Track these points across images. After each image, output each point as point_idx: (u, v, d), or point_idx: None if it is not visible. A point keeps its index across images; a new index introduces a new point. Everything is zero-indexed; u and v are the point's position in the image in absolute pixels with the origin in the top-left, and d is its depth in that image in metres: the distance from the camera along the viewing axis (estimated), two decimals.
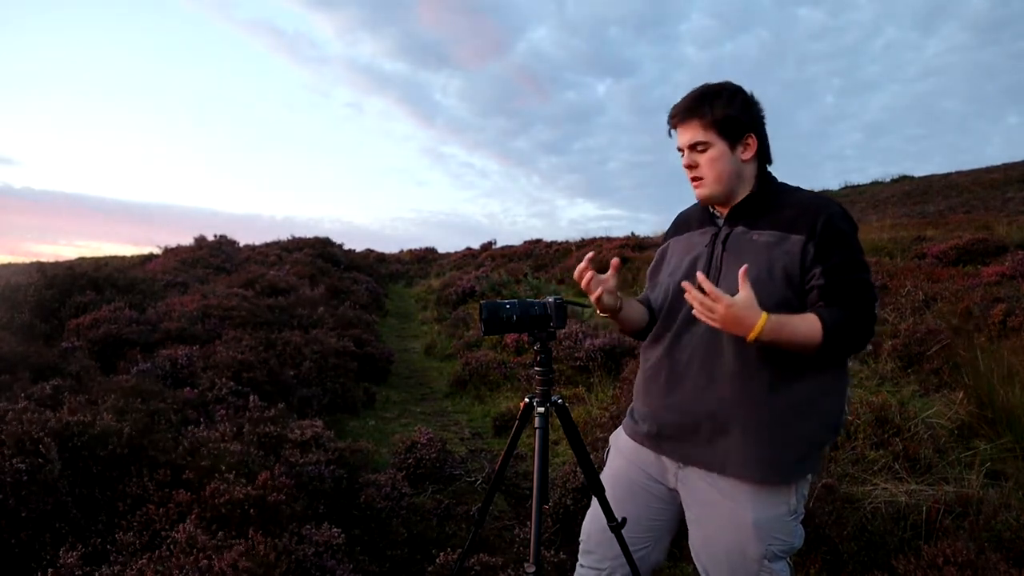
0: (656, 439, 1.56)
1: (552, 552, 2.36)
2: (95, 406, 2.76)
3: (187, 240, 12.17)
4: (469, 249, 18.37)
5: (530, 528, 1.49)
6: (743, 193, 1.48)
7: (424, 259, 17.79)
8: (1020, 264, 6.42)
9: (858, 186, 23.68)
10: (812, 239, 1.35)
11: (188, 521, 2.04)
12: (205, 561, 1.82)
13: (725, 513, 1.44)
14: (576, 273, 1.48)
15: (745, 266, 1.31)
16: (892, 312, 5.73)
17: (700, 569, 1.54)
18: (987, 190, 16.91)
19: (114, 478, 2.32)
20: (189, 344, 4.44)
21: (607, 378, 4.95)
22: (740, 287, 1.29)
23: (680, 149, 1.49)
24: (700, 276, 1.31)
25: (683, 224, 1.66)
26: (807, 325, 1.31)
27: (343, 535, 2.24)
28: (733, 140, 1.43)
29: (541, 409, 1.50)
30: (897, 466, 2.89)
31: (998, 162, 21.77)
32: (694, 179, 1.48)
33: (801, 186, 1.52)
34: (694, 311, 1.35)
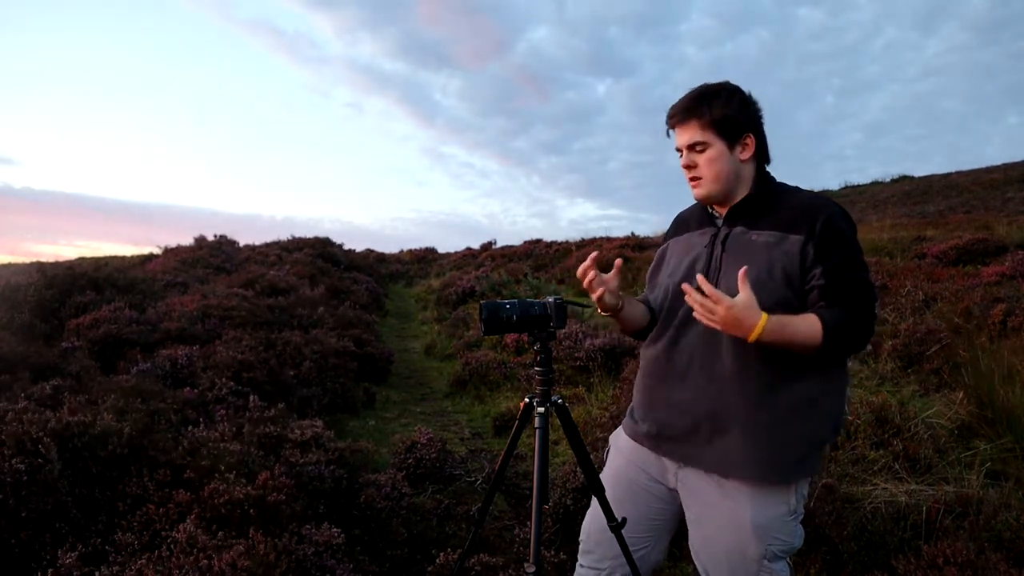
0: (656, 439, 1.56)
1: (552, 552, 2.36)
2: (95, 406, 2.76)
3: (187, 240, 12.19)
4: (469, 249, 18.38)
5: (530, 528, 1.50)
6: (742, 193, 1.48)
7: (424, 259, 17.80)
8: (1020, 264, 6.42)
9: (858, 186, 23.68)
10: (811, 239, 1.35)
11: (188, 521, 2.04)
12: (205, 561, 1.82)
13: (725, 513, 1.44)
14: (579, 271, 1.48)
15: (744, 268, 1.31)
16: (892, 312, 5.73)
17: (700, 569, 1.54)
18: (987, 190, 16.91)
19: (114, 478, 2.32)
20: (189, 344, 4.44)
21: (607, 378, 4.95)
22: (740, 289, 1.29)
23: (679, 149, 1.49)
24: (700, 278, 1.31)
25: (682, 225, 1.66)
26: (808, 325, 1.31)
27: (343, 535, 2.24)
28: (732, 140, 1.44)
29: (541, 409, 1.50)
30: (897, 466, 2.89)
31: (998, 162, 21.80)
32: (692, 179, 1.48)
33: (801, 186, 1.52)
34: (695, 313, 1.35)
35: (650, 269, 1.73)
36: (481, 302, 1.49)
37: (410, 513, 2.73)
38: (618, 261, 1.51)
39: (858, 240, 1.41)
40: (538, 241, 17.50)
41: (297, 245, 13.28)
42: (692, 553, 1.55)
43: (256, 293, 6.90)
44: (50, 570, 1.84)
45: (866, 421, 3.14)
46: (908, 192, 19.42)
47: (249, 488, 2.22)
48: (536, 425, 1.49)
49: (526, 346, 6.10)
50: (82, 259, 13.80)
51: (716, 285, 1.41)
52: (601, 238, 15.77)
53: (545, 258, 14.43)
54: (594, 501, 1.61)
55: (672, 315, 1.54)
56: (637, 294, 1.72)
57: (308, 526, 2.23)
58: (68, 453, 2.28)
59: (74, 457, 2.29)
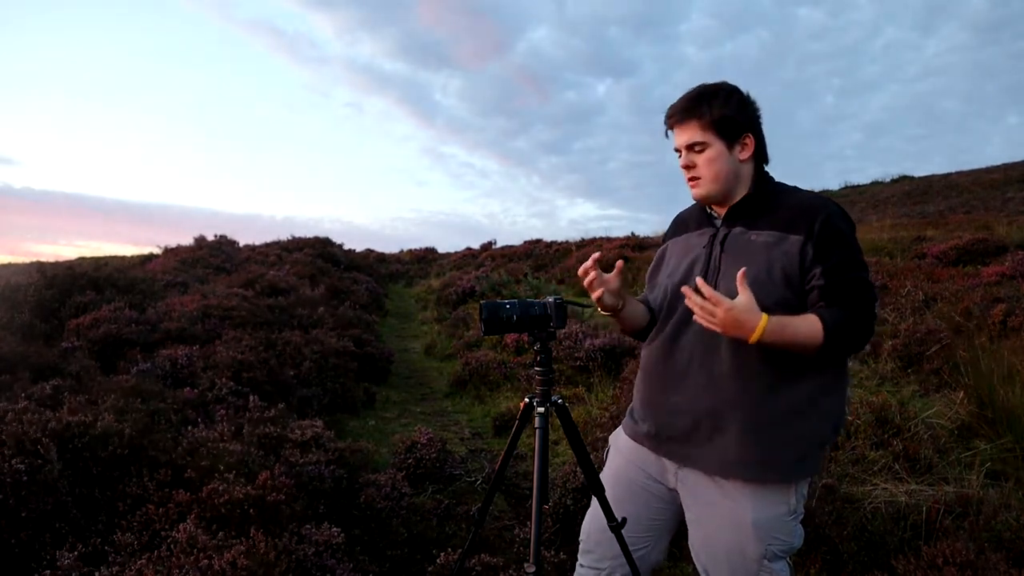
0: (656, 439, 1.56)
1: (552, 552, 2.36)
2: (95, 406, 2.76)
3: (187, 240, 12.19)
4: (469, 249, 18.38)
5: (530, 528, 1.49)
6: (741, 193, 1.48)
7: (424, 259, 17.79)
8: (1020, 264, 6.42)
9: (858, 186, 23.68)
10: (811, 239, 1.35)
11: (188, 521, 2.04)
12: (205, 561, 1.82)
13: (725, 513, 1.44)
14: (581, 270, 1.48)
15: (743, 269, 1.31)
16: (892, 312, 5.73)
17: (700, 569, 1.54)
18: (987, 190, 16.91)
19: (114, 478, 2.32)
20: (189, 344, 4.44)
21: (607, 378, 4.95)
22: (739, 290, 1.29)
23: (677, 149, 1.49)
24: (699, 281, 1.31)
25: (681, 225, 1.66)
26: (808, 326, 1.31)
27: (343, 535, 2.24)
28: (730, 140, 1.44)
29: (541, 409, 1.50)
30: (897, 466, 2.89)
31: (998, 162, 21.81)
32: (691, 179, 1.48)
33: (801, 186, 1.52)
34: (695, 316, 1.35)
35: (650, 269, 1.73)
36: (481, 302, 1.49)
37: (410, 513, 2.73)
38: (619, 262, 1.51)
39: (857, 240, 1.41)
40: (538, 241, 17.51)
41: (297, 245, 13.28)
42: (692, 553, 1.55)
43: (256, 293, 6.90)
44: (49, 570, 1.84)
45: (866, 421, 3.14)
46: (908, 192, 19.43)
47: (249, 488, 2.22)
48: (536, 425, 1.49)
49: (526, 346, 6.10)
50: (82, 259, 13.81)
51: (715, 286, 1.41)
52: (601, 238, 15.77)
53: (545, 258, 14.44)
54: (594, 501, 1.61)
55: (671, 315, 1.54)
56: (637, 294, 1.72)
57: (308, 526, 2.23)
58: (68, 453, 2.28)
59: (74, 457, 2.29)
